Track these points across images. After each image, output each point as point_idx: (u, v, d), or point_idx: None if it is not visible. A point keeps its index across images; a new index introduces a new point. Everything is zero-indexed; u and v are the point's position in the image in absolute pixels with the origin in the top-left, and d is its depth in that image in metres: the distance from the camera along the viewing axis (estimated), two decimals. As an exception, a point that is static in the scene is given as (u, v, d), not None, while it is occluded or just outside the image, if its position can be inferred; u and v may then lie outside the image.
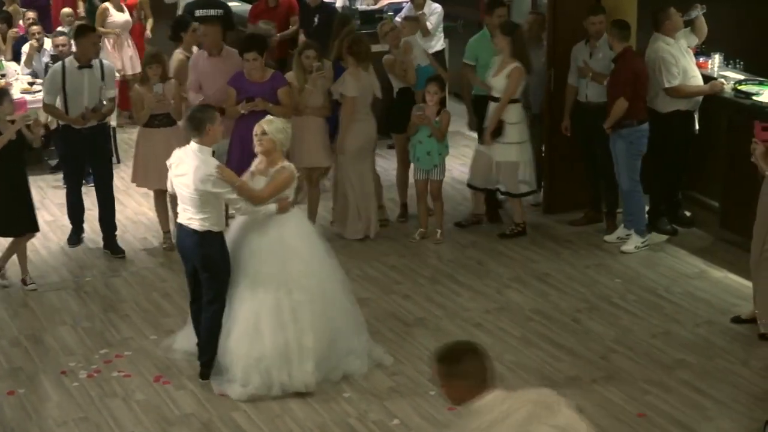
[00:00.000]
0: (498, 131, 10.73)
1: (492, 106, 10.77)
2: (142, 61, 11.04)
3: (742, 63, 11.54)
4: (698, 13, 10.74)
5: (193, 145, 7.97)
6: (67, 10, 14.63)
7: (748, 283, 9.21)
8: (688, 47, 10.80)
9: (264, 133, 8.16)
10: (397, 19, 14.34)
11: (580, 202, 11.36)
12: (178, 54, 11.34)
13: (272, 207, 8.11)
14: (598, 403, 7.88)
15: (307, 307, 8.08)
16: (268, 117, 8.44)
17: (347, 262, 9.55)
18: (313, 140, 10.64)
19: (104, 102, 10.54)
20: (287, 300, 8.02)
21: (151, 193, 10.95)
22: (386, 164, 12.60)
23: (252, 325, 8.03)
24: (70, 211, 10.87)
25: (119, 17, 14.71)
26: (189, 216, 8.04)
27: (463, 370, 4.89)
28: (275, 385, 8.01)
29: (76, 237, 10.84)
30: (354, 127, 10.66)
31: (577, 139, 11.10)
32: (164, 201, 10.71)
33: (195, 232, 8.03)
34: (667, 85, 10.50)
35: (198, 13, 13.14)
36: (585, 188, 11.29)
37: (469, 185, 11.32)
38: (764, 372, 8.31)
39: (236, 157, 9.96)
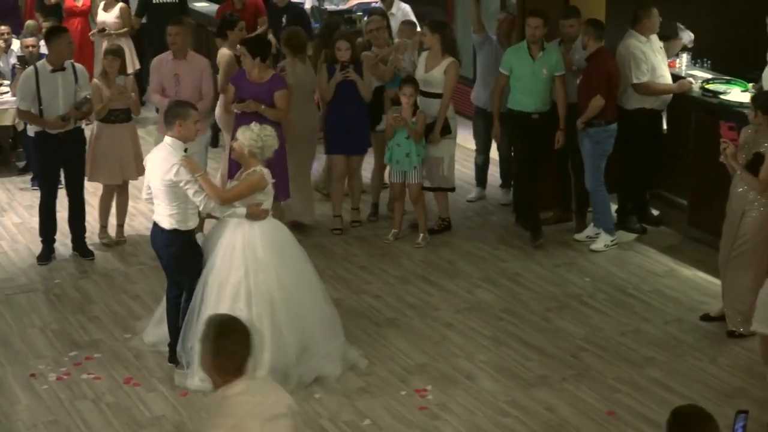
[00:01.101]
0: (447, 129, 10.85)
1: (428, 102, 10.84)
2: (103, 54, 10.97)
3: (709, 62, 11.60)
4: (691, 38, 11.00)
5: (167, 139, 8.06)
6: (31, 22, 14.38)
7: (717, 281, 9.27)
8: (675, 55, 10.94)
9: (235, 139, 8.20)
10: (365, 19, 14.37)
11: (549, 201, 11.39)
12: (225, 51, 11.26)
13: (241, 210, 8.09)
14: (569, 402, 7.91)
15: (266, 319, 8.04)
16: (248, 125, 8.30)
17: (319, 262, 9.53)
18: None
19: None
20: (246, 312, 7.98)
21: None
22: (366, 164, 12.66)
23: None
24: (42, 227, 10.63)
25: (103, 16, 14.67)
26: (159, 212, 8.14)
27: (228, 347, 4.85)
28: None
29: (46, 255, 10.67)
30: (292, 118, 10.67)
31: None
32: (111, 198, 10.88)
33: (163, 230, 8.13)
34: (635, 81, 10.55)
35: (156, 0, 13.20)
36: (554, 187, 11.32)
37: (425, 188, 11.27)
38: (733, 369, 8.36)
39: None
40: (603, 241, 10.63)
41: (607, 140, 10.45)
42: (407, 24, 12.38)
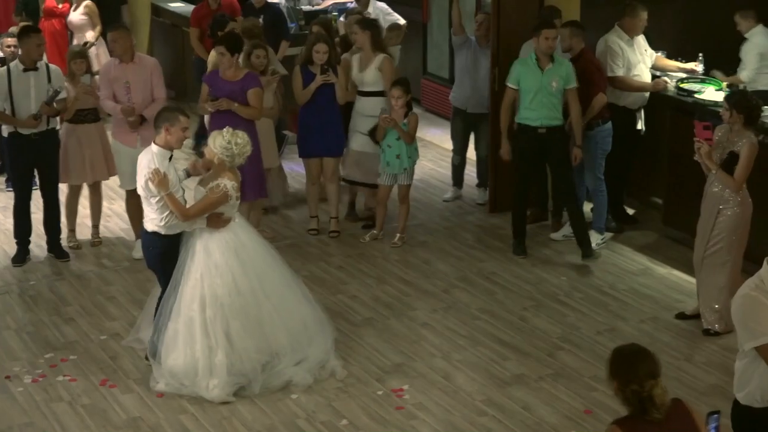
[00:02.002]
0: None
1: (365, 100, 10.88)
2: (67, 57, 10.89)
3: (684, 61, 11.63)
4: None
5: (153, 146, 8.04)
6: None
7: (692, 280, 9.31)
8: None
9: (206, 144, 8.16)
10: (341, 19, 14.36)
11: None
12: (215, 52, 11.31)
13: (201, 221, 8.08)
14: (545, 401, 7.93)
15: (219, 324, 7.97)
16: (220, 131, 8.19)
17: (294, 262, 9.53)
18: (261, 141, 10.59)
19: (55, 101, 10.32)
20: (200, 315, 7.96)
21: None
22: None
23: (172, 335, 8.04)
24: (17, 229, 10.56)
25: (71, 15, 14.62)
26: (145, 214, 8.18)
27: None
28: (185, 391, 8.05)
29: (21, 256, 10.61)
30: None
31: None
32: (77, 200, 10.84)
33: (146, 231, 8.18)
34: (609, 74, 10.57)
35: None
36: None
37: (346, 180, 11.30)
38: (708, 367, 8.40)
39: None
40: (594, 239, 10.66)
41: (606, 139, 10.46)
42: (393, 29, 12.38)
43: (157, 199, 7.94)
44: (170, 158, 8.04)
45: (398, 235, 10.90)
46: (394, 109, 10.63)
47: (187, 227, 8.11)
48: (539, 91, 10.19)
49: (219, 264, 8.05)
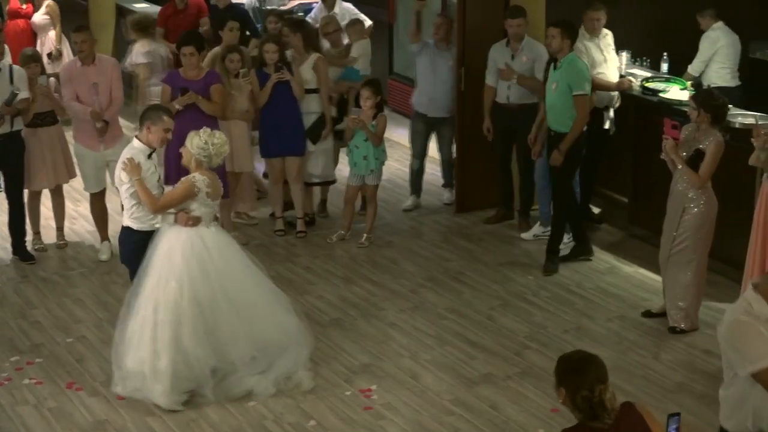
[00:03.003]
0: (322, 124, 10.96)
1: (311, 97, 10.94)
2: (19, 62, 10.81)
3: (648, 61, 11.71)
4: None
5: (134, 141, 8.16)
6: None
7: (658, 278, 9.35)
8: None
9: (183, 144, 8.13)
10: (308, 19, 14.32)
11: (492, 200, 11.44)
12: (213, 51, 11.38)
13: (170, 218, 8.05)
14: (513, 400, 7.95)
15: (167, 328, 7.86)
16: (198, 131, 8.10)
17: (261, 263, 9.50)
18: (236, 145, 10.53)
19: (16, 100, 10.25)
20: (152, 317, 7.90)
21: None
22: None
23: (129, 335, 7.99)
24: None
25: (34, 17, 14.57)
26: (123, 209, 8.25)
27: None
28: (139, 396, 7.99)
29: None
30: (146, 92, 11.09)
31: (496, 139, 11.14)
32: (38, 203, 10.80)
33: (122, 226, 8.26)
34: None
35: None
36: (496, 186, 11.37)
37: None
38: (674, 365, 8.44)
39: (173, 154, 9.70)
40: (536, 230, 10.79)
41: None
42: (354, 24, 12.36)
43: (127, 187, 7.97)
44: (150, 155, 8.10)
45: (365, 235, 10.89)
46: (363, 109, 10.63)
47: (156, 222, 8.09)
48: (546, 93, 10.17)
49: (178, 267, 7.95)
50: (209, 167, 8.08)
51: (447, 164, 11.97)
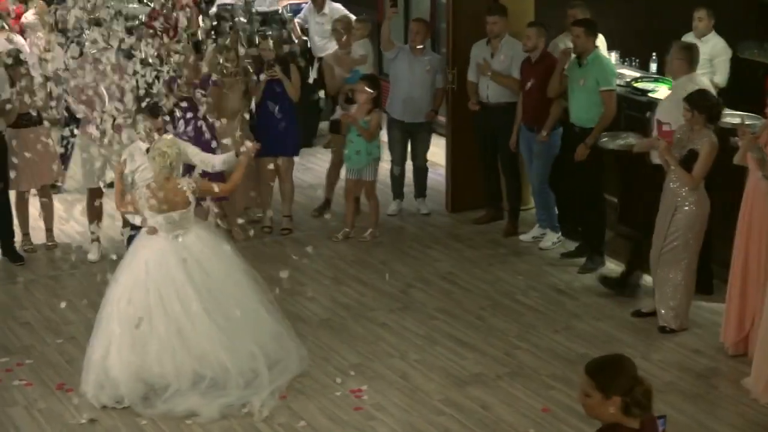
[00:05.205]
0: None
1: None
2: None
3: (637, 61, 11.72)
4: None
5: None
6: None
7: (648, 277, 9.36)
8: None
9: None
10: (296, 19, 14.35)
11: (482, 200, 11.46)
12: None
13: (135, 220, 8.10)
14: (503, 400, 7.95)
15: (104, 325, 7.89)
16: (148, 155, 8.09)
17: (250, 263, 9.49)
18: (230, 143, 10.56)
19: None
20: (103, 311, 7.95)
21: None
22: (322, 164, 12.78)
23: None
24: None
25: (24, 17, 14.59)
26: None
27: None
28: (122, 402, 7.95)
29: None
30: None
31: (478, 138, 11.18)
32: (26, 204, 10.80)
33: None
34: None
35: None
36: (485, 186, 11.39)
37: None
38: (664, 364, 8.45)
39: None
40: (550, 239, 10.71)
41: (558, 142, 10.50)
42: (361, 21, 12.33)
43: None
44: (147, 150, 8.16)
45: (369, 230, 10.94)
46: (358, 103, 10.67)
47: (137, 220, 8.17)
48: (574, 88, 10.13)
49: (130, 267, 7.96)
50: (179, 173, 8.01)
51: (421, 172, 11.88)
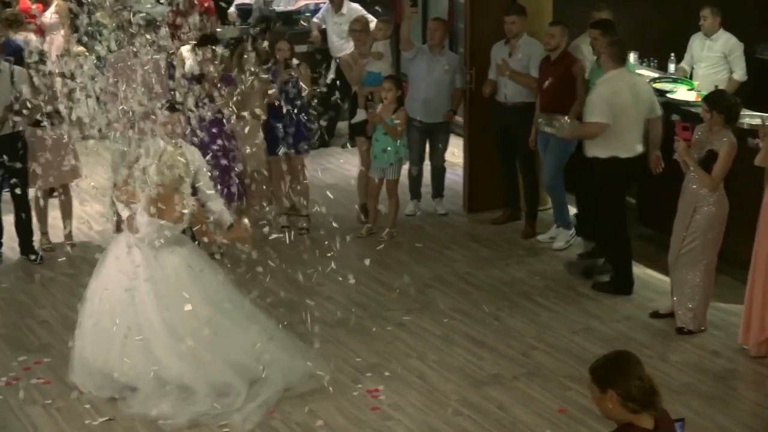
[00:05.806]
0: None
1: None
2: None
3: (656, 61, 11.70)
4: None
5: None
6: None
7: (666, 279, 9.35)
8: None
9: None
10: (314, 19, 14.37)
11: (499, 200, 11.45)
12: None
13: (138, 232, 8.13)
14: (520, 400, 7.95)
15: (80, 317, 8.07)
16: (135, 167, 7.98)
17: (277, 261, 9.51)
18: (249, 144, 10.57)
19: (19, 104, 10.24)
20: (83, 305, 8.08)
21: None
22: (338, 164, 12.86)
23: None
24: None
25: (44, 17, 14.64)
26: None
27: None
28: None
29: None
30: None
31: (496, 138, 11.18)
32: (45, 203, 10.83)
33: None
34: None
35: None
36: (503, 186, 11.39)
37: None
38: (682, 366, 8.43)
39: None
40: (563, 237, 10.70)
41: (573, 142, 10.47)
42: (384, 21, 12.31)
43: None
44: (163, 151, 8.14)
45: (387, 229, 10.95)
46: (384, 103, 10.69)
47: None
48: None
49: (104, 267, 8.06)
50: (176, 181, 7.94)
51: (439, 172, 11.88)
